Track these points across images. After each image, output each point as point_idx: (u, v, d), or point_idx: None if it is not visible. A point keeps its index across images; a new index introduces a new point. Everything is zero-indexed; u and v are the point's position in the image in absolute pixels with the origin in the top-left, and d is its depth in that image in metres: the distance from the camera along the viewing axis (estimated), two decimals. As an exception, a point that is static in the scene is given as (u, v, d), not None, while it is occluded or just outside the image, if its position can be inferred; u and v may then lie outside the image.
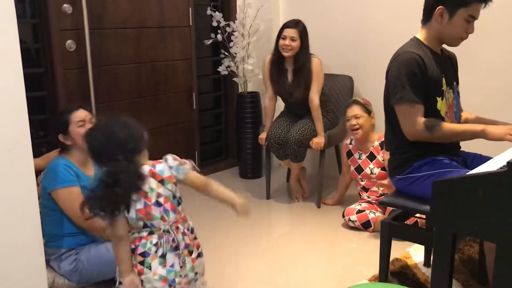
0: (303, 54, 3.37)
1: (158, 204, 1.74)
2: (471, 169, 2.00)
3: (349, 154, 3.27)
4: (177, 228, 1.79)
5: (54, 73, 3.12)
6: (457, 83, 2.21)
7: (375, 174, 3.12)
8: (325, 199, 3.52)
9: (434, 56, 2.08)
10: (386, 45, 3.54)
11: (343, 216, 3.12)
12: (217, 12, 3.87)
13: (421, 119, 1.99)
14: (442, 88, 2.06)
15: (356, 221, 3.05)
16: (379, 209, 3.12)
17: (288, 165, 3.62)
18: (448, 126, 2.01)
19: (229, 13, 4.05)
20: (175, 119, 3.86)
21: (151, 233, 1.76)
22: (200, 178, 1.83)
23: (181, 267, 1.77)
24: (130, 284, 1.73)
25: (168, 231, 1.76)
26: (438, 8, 2.01)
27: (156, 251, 1.74)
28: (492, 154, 2.14)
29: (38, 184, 2.60)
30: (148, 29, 3.57)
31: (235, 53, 3.92)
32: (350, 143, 3.28)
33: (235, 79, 4.00)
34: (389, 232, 2.11)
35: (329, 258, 2.77)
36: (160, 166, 1.76)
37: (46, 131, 3.20)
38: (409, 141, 2.06)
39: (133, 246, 1.76)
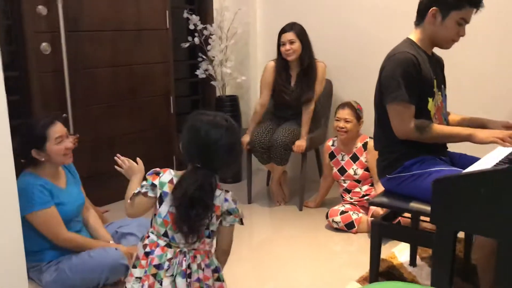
0: (306, 54, 3.38)
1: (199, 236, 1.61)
2: (459, 168, 2.05)
3: (332, 155, 3.29)
4: (195, 257, 1.65)
5: (28, 77, 3.01)
6: (445, 86, 2.25)
7: (359, 174, 3.15)
8: (307, 201, 3.52)
9: (427, 57, 2.12)
10: (364, 50, 3.62)
11: (327, 218, 3.13)
12: (194, 15, 3.83)
13: (412, 120, 2.02)
14: (434, 89, 2.10)
15: (340, 222, 3.06)
16: (361, 210, 3.14)
17: (270, 168, 3.61)
18: (438, 128, 2.04)
19: (206, 16, 4.02)
20: (153, 123, 3.80)
21: (168, 245, 1.63)
22: (229, 241, 1.71)
23: None
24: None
25: (184, 254, 1.63)
26: (431, 9, 2.05)
27: (167, 269, 1.62)
28: (477, 154, 2.19)
29: None
30: (125, 32, 3.50)
31: (213, 56, 3.89)
32: (333, 145, 3.30)
33: (213, 82, 3.96)
34: (380, 233, 2.12)
35: (314, 261, 2.77)
36: (217, 193, 1.63)
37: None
38: (398, 140, 2.09)
39: (148, 249, 1.64)
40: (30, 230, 2.19)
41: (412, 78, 2.01)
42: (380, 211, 2.90)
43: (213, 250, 1.74)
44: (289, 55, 3.35)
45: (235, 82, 4.03)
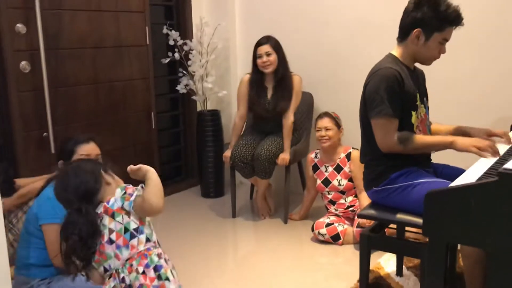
0: (282, 66, 3.42)
1: (110, 241, 1.64)
2: (443, 179, 2.10)
3: (315, 167, 3.32)
4: (131, 265, 1.64)
5: (7, 96, 2.97)
6: (427, 99, 2.31)
7: (343, 185, 3.19)
8: (291, 214, 3.54)
9: (409, 72, 2.18)
10: (343, 62, 3.69)
11: (312, 230, 3.15)
12: (173, 31, 3.84)
13: (396, 133, 2.07)
14: (417, 103, 2.16)
15: (325, 234, 3.09)
16: (346, 222, 3.17)
17: (254, 182, 3.62)
18: (420, 138, 2.10)
19: (186, 32, 4.03)
20: (134, 139, 3.78)
21: (110, 276, 1.65)
22: (148, 204, 1.67)
23: None
24: None
25: (117, 271, 1.63)
26: (415, 30, 2.11)
27: None
28: (459, 165, 2.26)
29: (11, 222, 2.46)
30: (105, 49, 3.48)
31: (194, 72, 3.90)
32: (316, 157, 3.34)
33: (194, 97, 3.97)
34: (369, 244, 2.15)
35: (301, 274, 2.78)
36: (112, 199, 1.68)
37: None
38: (384, 153, 2.13)
39: None
40: (35, 239, 2.18)
41: (396, 93, 2.06)
42: (366, 221, 2.95)
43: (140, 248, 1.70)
44: (266, 67, 3.39)
45: (216, 96, 4.05)
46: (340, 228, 3.08)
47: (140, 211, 1.66)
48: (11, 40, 2.93)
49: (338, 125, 3.23)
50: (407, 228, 2.54)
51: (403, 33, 2.17)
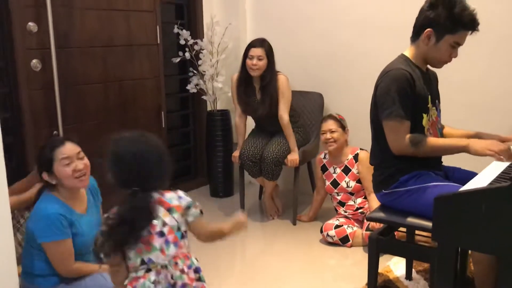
0: (269, 72, 3.39)
1: (161, 234, 1.60)
2: (454, 183, 2.06)
3: (324, 168, 3.29)
4: (176, 264, 1.62)
5: (18, 94, 2.97)
6: (439, 101, 2.27)
7: (351, 187, 3.16)
8: (300, 215, 3.52)
9: (421, 74, 2.14)
10: (353, 63, 3.66)
11: (321, 232, 3.12)
12: (184, 30, 3.83)
13: (408, 135, 2.03)
14: (428, 105, 2.12)
15: (334, 236, 3.06)
16: (356, 224, 3.14)
17: (261, 182, 3.61)
18: (433, 141, 2.06)
19: (196, 31, 4.03)
20: (144, 138, 3.77)
21: (148, 270, 1.59)
22: (207, 232, 1.69)
23: None
24: None
25: (166, 267, 1.60)
26: (426, 30, 2.07)
27: None
28: (471, 168, 2.22)
29: (19, 222, 2.46)
30: (116, 48, 3.48)
31: (204, 71, 3.90)
32: (324, 157, 3.31)
33: (204, 97, 3.96)
34: (377, 247, 2.13)
35: (309, 275, 2.76)
36: (169, 195, 1.64)
37: (9, 155, 3.05)
38: (394, 155, 2.10)
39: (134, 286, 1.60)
40: (40, 252, 2.16)
41: (407, 94, 2.03)
42: (375, 224, 2.91)
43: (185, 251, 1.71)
44: (254, 71, 3.37)
45: (226, 96, 4.04)
46: (349, 230, 3.05)
47: (192, 229, 1.68)
48: (23, 39, 2.94)
49: (343, 126, 3.21)
50: (417, 232, 2.51)
51: (416, 33, 2.13)
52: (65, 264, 2.15)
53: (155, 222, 1.59)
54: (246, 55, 3.40)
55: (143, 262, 1.59)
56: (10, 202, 2.35)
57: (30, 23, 2.95)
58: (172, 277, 1.60)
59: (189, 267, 1.65)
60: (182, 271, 1.62)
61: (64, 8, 3.13)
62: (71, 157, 2.12)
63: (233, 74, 3.58)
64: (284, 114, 3.38)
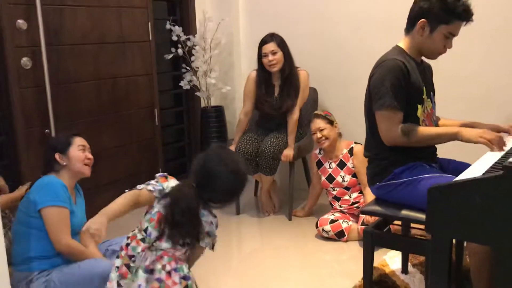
0: (288, 64, 3.37)
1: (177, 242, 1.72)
2: (449, 174, 2.05)
3: (319, 163, 3.28)
4: (161, 257, 1.69)
5: (9, 92, 2.94)
6: (434, 93, 2.25)
7: (347, 181, 3.14)
8: (296, 210, 3.50)
9: (416, 65, 2.12)
10: (347, 57, 3.64)
11: (317, 227, 3.11)
12: (176, 26, 3.80)
13: (399, 125, 2.02)
14: (423, 97, 2.10)
15: (330, 231, 3.05)
16: (351, 218, 3.13)
17: (258, 178, 3.59)
18: (424, 130, 2.04)
19: (189, 27, 4.00)
20: (137, 136, 3.75)
21: (143, 240, 1.70)
22: (197, 259, 1.81)
23: None
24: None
25: (150, 250, 1.68)
26: (420, 20, 2.05)
27: (135, 261, 1.69)
28: (467, 160, 2.20)
29: (10, 220, 2.45)
30: (108, 45, 3.45)
31: (197, 67, 3.87)
32: (319, 153, 3.29)
33: (197, 93, 3.94)
34: (372, 241, 2.11)
35: (305, 271, 2.75)
36: (205, 212, 1.75)
37: (1, 154, 3.02)
38: (388, 148, 2.08)
39: (129, 241, 1.73)
40: (30, 230, 2.17)
41: (401, 85, 2.01)
42: (370, 218, 2.90)
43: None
44: (272, 66, 3.34)
45: (220, 92, 4.01)
46: (344, 225, 3.04)
47: (196, 251, 1.80)
48: (12, 36, 2.91)
49: (330, 122, 3.17)
50: (412, 225, 2.49)
51: (410, 24, 2.11)
52: (61, 234, 2.17)
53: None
54: (260, 54, 3.37)
55: (146, 230, 1.71)
56: (1, 201, 2.34)
57: (19, 21, 2.92)
58: (149, 262, 1.68)
59: (175, 270, 1.69)
60: (164, 267, 1.68)
61: (54, 5, 3.11)
62: (85, 147, 2.35)
63: (251, 72, 3.50)
64: (297, 110, 3.39)
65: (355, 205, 3.14)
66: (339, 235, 3.03)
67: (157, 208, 1.70)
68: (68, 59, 3.23)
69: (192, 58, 3.87)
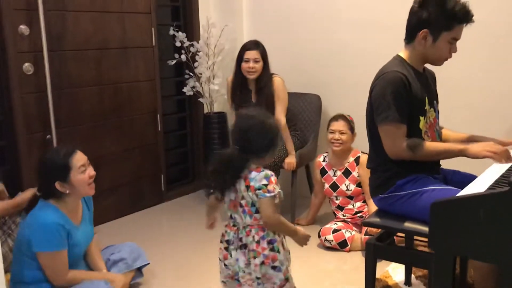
0: (265, 74, 3.35)
1: (240, 205, 1.89)
2: (453, 186, 2.01)
3: (323, 171, 3.24)
4: (250, 231, 1.91)
5: (10, 98, 2.94)
6: (437, 102, 2.22)
7: (351, 190, 3.10)
8: (298, 219, 3.46)
9: (417, 75, 2.08)
10: (351, 63, 3.60)
11: (319, 236, 3.07)
12: (180, 32, 3.79)
13: (404, 139, 1.98)
14: (425, 108, 2.07)
15: (332, 240, 3.01)
16: (354, 228, 3.09)
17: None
18: (430, 145, 2.00)
19: (193, 33, 3.98)
20: (140, 141, 3.73)
21: (234, 225, 1.94)
22: (267, 213, 1.87)
23: (246, 264, 1.91)
24: None
25: (239, 229, 1.93)
26: (422, 31, 2.02)
27: (233, 243, 1.93)
28: (471, 171, 2.16)
29: (10, 227, 2.43)
30: (110, 50, 3.44)
31: (200, 73, 3.85)
32: (324, 160, 3.25)
33: (200, 99, 3.92)
34: (375, 254, 2.07)
35: (307, 280, 2.71)
36: (253, 174, 1.88)
37: (2, 159, 3.01)
38: (391, 159, 2.05)
39: (226, 229, 1.97)
40: (32, 261, 2.12)
41: (402, 97, 1.98)
42: (374, 229, 2.86)
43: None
44: (251, 74, 3.33)
45: (223, 98, 3.99)
46: (347, 235, 3.00)
47: (259, 206, 1.88)
48: (14, 42, 2.90)
49: (352, 129, 3.13)
50: (416, 237, 2.45)
51: (410, 35, 2.07)
52: (59, 274, 2.14)
53: (238, 193, 1.88)
54: (241, 58, 3.35)
55: (231, 217, 1.94)
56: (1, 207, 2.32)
57: (21, 26, 2.92)
58: (241, 240, 1.91)
59: (263, 238, 1.91)
60: (254, 238, 1.90)
61: (56, 11, 3.10)
62: (85, 164, 2.15)
63: (228, 76, 3.52)
64: (281, 116, 3.33)
65: (358, 214, 3.10)
66: (342, 245, 2.99)
67: (228, 198, 1.91)
68: (70, 64, 3.22)
69: (196, 64, 3.85)
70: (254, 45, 3.34)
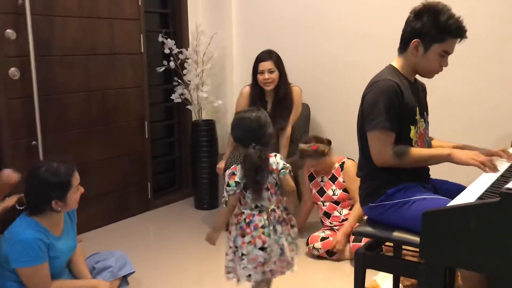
0: (283, 83, 3.35)
1: (267, 188, 2.17)
2: (442, 196, 2.02)
3: (311, 177, 3.24)
4: (278, 207, 2.21)
5: (-4, 103, 2.89)
6: (427, 113, 2.23)
7: (337, 195, 3.11)
8: (286, 227, 3.45)
9: (409, 84, 2.09)
10: (340, 73, 3.62)
11: (307, 244, 3.06)
12: (169, 39, 3.77)
13: (392, 147, 1.99)
14: (416, 117, 2.07)
15: (320, 248, 3.00)
16: (342, 236, 3.08)
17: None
18: (416, 151, 2.01)
19: (182, 40, 3.97)
20: (127, 149, 3.70)
21: (261, 211, 2.17)
22: (290, 184, 2.23)
23: (285, 234, 2.22)
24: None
25: (274, 210, 2.19)
26: (413, 40, 2.03)
27: (269, 225, 2.17)
28: (459, 181, 2.17)
29: None
30: (98, 56, 3.41)
31: (189, 81, 3.83)
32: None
33: (189, 107, 3.90)
34: (364, 263, 2.06)
35: (296, 290, 2.69)
36: (271, 159, 2.19)
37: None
38: (381, 168, 2.04)
39: (248, 220, 2.18)
40: (9, 274, 2.08)
41: (394, 106, 1.98)
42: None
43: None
44: (268, 85, 3.32)
45: (211, 106, 3.97)
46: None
47: (284, 181, 2.22)
48: (1, 46, 2.86)
49: (323, 154, 3.07)
50: (404, 246, 2.45)
51: (403, 44, 2.08)
52: (42, 287, 2.08)
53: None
54: (256, 70, 3.34)
55: (256, 206, 2.17)
56: None
57: (8, 30, 2.88)
58: (279, 216, 2.20)
59: (284, 208, 2.27)
60: (282, 211, 2.24)
61: (44, 15, 3.07)
62: (78, 182, 2.13)
63: (243, 88, 3.50)
64: (289, 127, 3.37)
65: (345, 222, 3.09)
66: (330, 254, 2.99)
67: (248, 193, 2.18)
68: (57, 70, 3.18)
69: (184, 71, 3.83)
70: (267, 55, 3.34)
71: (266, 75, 3.29)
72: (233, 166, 2.19)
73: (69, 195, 2.07)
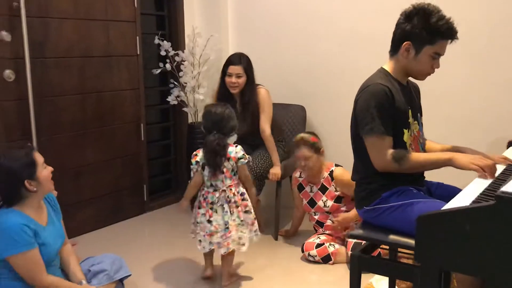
0: (249, 88, 3.34)
1: (222, 172, 2.65)
2: (437, 198, 2.01)
3: (300, 187, 3.21)
4: (231, 189, 2.66)
5: (-10, 105, 2.88)
6: (421, 114, 2.23)
7: (328, 206, 3.08)
8: (282, 230, 3.44)
9: (401, 87, 2.09)
10: (336, 75, 3.62)
11: (302, 251, 3.04)
12: (165, 41, 3.77)
13: (390, 151, 1.98)
14: (409, 120, 2.07)
15: (316, 256, 2.98)
16: (337, 241, 3.07)
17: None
18: (416, 156, 2.00)
19: (178, 42, 3.97)
20: (123, 151, 3.68)
21: (215, 190, 2.65)
22: (245, 174, 2.76)
23: (231, 213, 2.64)
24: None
25: (224, 191, 2.65)
26: (405, 43, 2.02)
27: (217, 202, 2.64)
28: (454, 183, 2.17)
29: None
30: (94, 58, 3.40)
31: (185, 83, 3.83)
32: (300, 176, 3.22)
33: (185, 109, 3.89)
34: (359, 266, 2.06)
35: (291, 293, 2.69)
36: (231, 149, 2.66)
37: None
38: (375, 171, 2.04)
39: (205, 196, 2.67)
40: (1, 270, 2.06)
41: (386, 109, 1.98)
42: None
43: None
44: (233, 89, 3.32)
45: (207, 108, 3.96)
46: (331, 249, 2.97)
47: (240, 170, 2.73)
48: (-5, 48, 2.85)
49: (317, 149, 3.05)
50: (400, 249, 2.44)
51: (394, 47, 2.08)
52: (36, 276, 2.07)
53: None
54: (224, 72, 3.34)
55: (211, 185, 2.66)
56: None
57: (3, 32, 2.87)
58: (227, 197, 2.65)
59: (238, 192, 2.71)
60: (234, 193, 2.68)
61: (39, 17, 3.06)
62: (44, 162, 2.15)
63: (215, 87, 3.51)
64: (265, 126, 3.32)
65: (354, 226, 3.07)
66: (326, 260, 2.97)
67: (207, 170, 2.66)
68: (52, 72, 3.17)
69: (181, 73, 3.83)
70: (238, 59, 3.33)
71: (233, 79, 3.29)
72: (197, 149, 2.69)
73: (39, 173, 2.07)
